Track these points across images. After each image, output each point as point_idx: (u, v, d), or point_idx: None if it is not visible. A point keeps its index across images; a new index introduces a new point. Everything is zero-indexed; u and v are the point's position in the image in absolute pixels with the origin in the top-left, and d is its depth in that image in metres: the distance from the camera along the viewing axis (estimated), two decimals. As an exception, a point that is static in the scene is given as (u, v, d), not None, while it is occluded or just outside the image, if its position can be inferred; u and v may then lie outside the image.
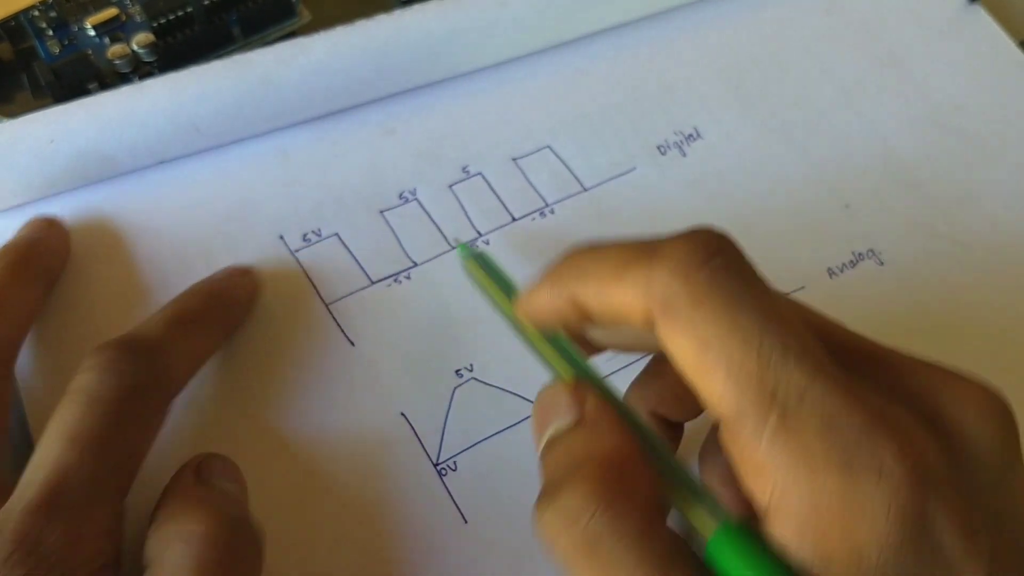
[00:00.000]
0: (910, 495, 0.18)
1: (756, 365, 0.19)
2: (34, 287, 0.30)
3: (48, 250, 0.32)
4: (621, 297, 0.21)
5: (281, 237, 0.33)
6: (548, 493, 0.21)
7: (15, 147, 0.33)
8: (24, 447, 0.29)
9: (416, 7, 0.36)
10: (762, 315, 0.19)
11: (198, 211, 0.34)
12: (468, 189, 0.35)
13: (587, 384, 0.23)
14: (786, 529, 0.19)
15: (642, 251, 0.21)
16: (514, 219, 0.35)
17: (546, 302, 0.23)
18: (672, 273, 0.20)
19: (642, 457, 0.22)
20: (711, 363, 0.19)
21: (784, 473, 0.18)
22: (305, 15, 0.38)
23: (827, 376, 0.19)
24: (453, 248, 0.34)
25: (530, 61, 0.38)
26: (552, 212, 0.35)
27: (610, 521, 0.20)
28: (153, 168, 0.35)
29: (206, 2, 0.36)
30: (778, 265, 0.34)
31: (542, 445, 0.23)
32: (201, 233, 0.33)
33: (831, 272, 0.34)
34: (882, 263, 0.34)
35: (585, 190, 0.35)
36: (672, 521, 0.22)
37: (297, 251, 0.33)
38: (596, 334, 0.24)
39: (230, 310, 0.31)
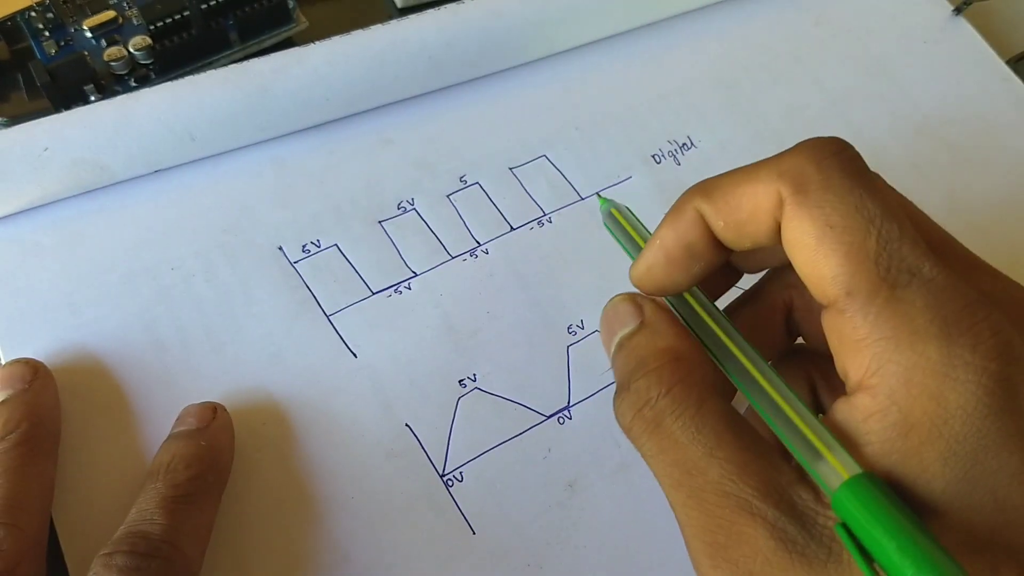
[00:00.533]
0: (1002, 366, 0.19)
1: (875, 244, 0.20)
2: (50, 456, 0.29)
3: (47, 411, 0.29)
4: (752, 189, 0.22)
5: (280, 248, 0.33)
6: (621, 388, 0.24)
7: (9, 155, 0.32)
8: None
9: (412, 17, 0.36)
10: (883, 202, 0.20)
11: (195, 221, 0.34)
12: (466, 199, 0.35)
13: (643, 297, 0.25)
14: (875, 400, 0.20)
15: (770, 158, 0.22)
16: (512, 228, 0.35)
17: (671, 231, 0.24)
18: (806, 158, 0.21)
19: (699, 348, 0.24)
20: (832, 244, 0.20)
21: (885, 344, 0.19)
22: (302, 21, 0.38)
23: (935, 262, 0.20)
24: (453, 258, 0.34)
25: (526, 71, 0.38)
26: (550, 221, 0.35)
27: (669, 403, 0.22)
28: (148, 177, 0.34)
29: (203, 6, 0.36)
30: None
31: (612, 349, 0.25)
32: (200, 245, 0.33)
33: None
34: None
35: (582, 199, 0.36)
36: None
37: (296, 262, 0.33)
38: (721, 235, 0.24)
39: (221, 473, 0.29)
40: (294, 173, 0.35)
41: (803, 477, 0.21)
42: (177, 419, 0.29)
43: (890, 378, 0.19)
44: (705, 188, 0.23)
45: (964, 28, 0.41)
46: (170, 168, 0.34)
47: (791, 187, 0.21)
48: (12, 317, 0.31)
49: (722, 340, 0.24)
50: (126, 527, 0.26)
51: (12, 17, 0.36)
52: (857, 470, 0.19)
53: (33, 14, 0.36)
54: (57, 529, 0.28)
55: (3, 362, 0.30)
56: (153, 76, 0.36)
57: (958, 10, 0.41)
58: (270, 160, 0.35)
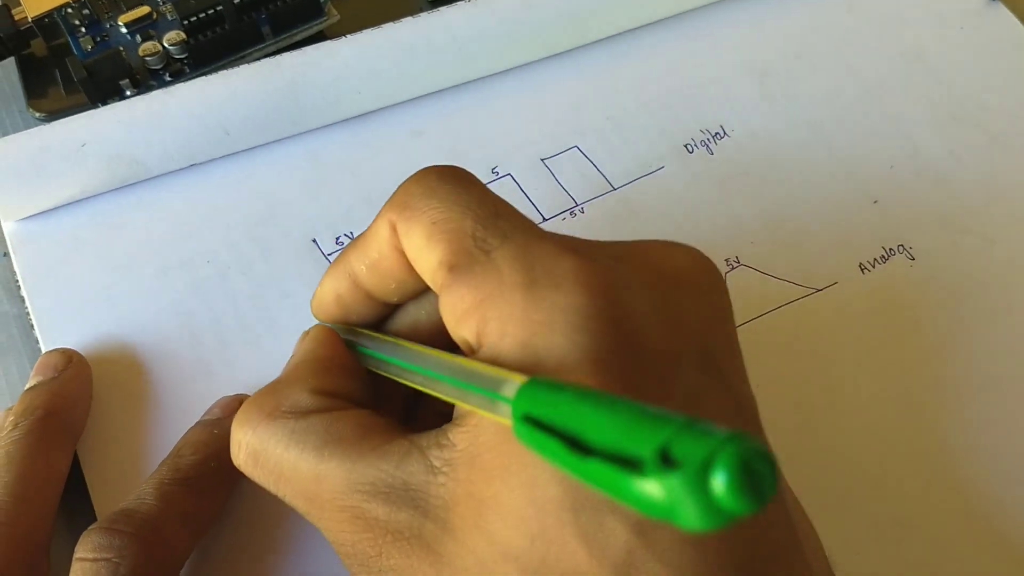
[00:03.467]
0: (587, 299, 0.20)
1: (471, 223, 0.22)
2: (62, 448, 0.28)
3: (71, 401, 0.29)
4: (374, 229, 0.24)
5: (314, 240, 0.34)
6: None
7: (48, 151, 0.33)
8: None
9: (443, 9, 0.36)
10: (480, 193, 0.23)
11: (230, 215, 0.34)
12: (497, 190, 0.34)
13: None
14: (481, 357, 0.21)
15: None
16: (544, 219, 0.35)
17: (329, 293, 0.26)
18: (409, 183, 0.23)
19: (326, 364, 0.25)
20: (438, 235, 0.22)
21: (486, 305, 0.21)
22: (333, 14, 0.38)
23: (529, 227, 0.22)
24: None
25: (556, 62, 0.38)
26: (582, 212, 0.35)
27: (260, 437, 0.23)
28: (183, 171, 0.35)
29: (236, 1, 0.36)
30: (810, 261, 0.34)
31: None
32: (234, 238, 0.33)
33: (863, 267, 0.34)
34: (913, 258, 0.34)
35: (614, 189, 0.36)
36: None
37: (330, 255, 0.33)
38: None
39: (231, 463, 0.27)
40: (327, 166, 0.35)
41: (411, 450, 0.21)
42: (206, 411, 0.29)
43: (492, 335, 0.21)
44: (352, 243, 0.25)
45: (1002, 13, 0.40)
46: (205, 162, 0.35)
47: (398, 208, 0.23)
48: (52, 309, 0.32)
49: (379, 339, 0.25)
50: (119, 506, 0.26)
51: (49, 14, 0.36)
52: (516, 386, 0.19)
53: (70, 11, 0.37)
54: (98, 517, 0.28)
55: (44, 351, 0.31)
56: (187, 71, 0.37)
57: (995, -5, 0.40)
58: (303, 153, 0.35)
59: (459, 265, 0.21)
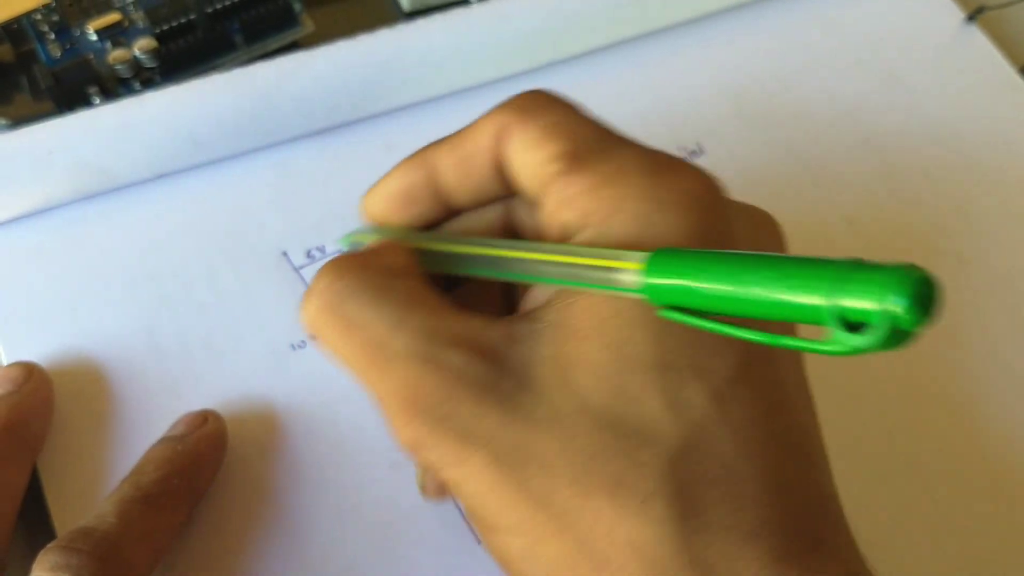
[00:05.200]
0: (703, 193, 0.22)
1: (591, 132, 0.22)
2: (19, 464, 0.28)
3: (30, 416, 0.29)
4: (472, 136, 0.24)
5: (284, 254, 0.33)
6: (306, 292, 0.24)
7: (12, 159, 0.32)
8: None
9: (418, 21, 0.35)
10: (592, 116, 0.23)
11: (198, 227, 0.33)
12: None
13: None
14: (588, 230, 0.22)
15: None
16: (519, 235, 0.34)
17: (400, 185, 0.26)
18: (522, 95, 0.24)
19: (402, 243, 0.25)
20: (556, 133, 0.22)
21: (602, 186, 0.21)
22: (308, 25, 0.38)
23: (640, 144, 0.23)
24: None
25: (532, 77, 0.38)
26: (557, 228, 0.35)
27: (344, 288, 0.23)
28: (151, 182, 0.34)
29: (209, 9, 0.36)
30: (783, 282, 0.34)
31: None
32: (203, 250, 0.33)
33: (836, 289, 0.34)
34: (886, 280, 0.34)
35: (589, 206, 0.35)
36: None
37: (301, 268, 0.33)
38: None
39: (195, 479, 0.28)
40: (298, 178, 0.35)
41: (494, 322, 0.22)
42: (170, 426, 0.29)
43: (602, 212, 0.21)
44: (440, 140, 0.25)
45: (976, 36, 0.40)
46: (173, 173, 0.34)
47: (515, 111, 0.23)
48: (14, 320, 0.31)
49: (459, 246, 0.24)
50: (78, 524, 0.25)
51: (17, 20, 0.36)
52: (645, 256, 0.20)
53: (38, 16, 0.36)
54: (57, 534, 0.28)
55: (3, 364, 0.30)
56: (158, 79, 0.36)
57: (971, 18, 0.40)
58: (273, 165, 0.35)
59: (579, 155, 0.22)
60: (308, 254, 0.33)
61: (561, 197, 0.22)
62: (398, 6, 0.40)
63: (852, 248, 0.35)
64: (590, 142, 0.22)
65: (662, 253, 0.19)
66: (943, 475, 0.31)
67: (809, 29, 0.40)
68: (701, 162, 0.36)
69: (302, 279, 0.33)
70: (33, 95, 0.36)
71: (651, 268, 0.19)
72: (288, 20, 0.37)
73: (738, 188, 0.36)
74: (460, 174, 0.24)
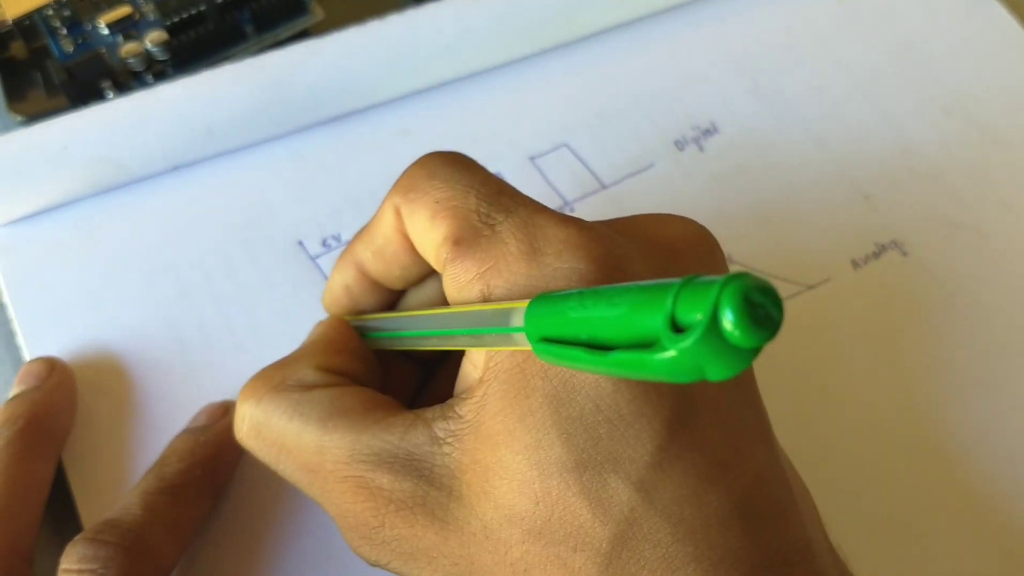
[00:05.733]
0: (588, 264, 0.21)
1: (475, 200, 0.22)
2: (45, 458, 0.28)
3: (54, 410, 0.29)
4: (380, 216, 0.24)
5: (300, 243, 0.33)
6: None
7: (29, 154, 0.32)
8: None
9: (428, 6, 0.35)
10: (483, 174, 0.23)
11: (215, 218, 0.33)
12: None
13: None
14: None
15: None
16: (534, 218, 0.34)
17: (338, 285, 0.26)
18: (412, 168, 0.23)
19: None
20: (442, 213, 0.22)
21: (490, 274, 0.21)
22: (318, 12, 0.38)
23: (531, 202, 0.22)
24: None
25: (545, 59, 0.37)
26: (572, 210, 0.35)
27: (265, 409, 0.24)
28: (167, 174, 0.34)
29: (218, 0, 0.36)
30: (802, 257, 0.34)
31: None
32: (220, 241, 0.33)
33: (855, 264, 0.34)
34: (905, 253, 0.34)
35: (604, 187, 0.35)
36: None
37: (317, 257, 0.33)
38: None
39: (217, 470, 0.28)
40: (313, 167, 0.35)
41: (416, 423, 0.22)
42: (192, 417, 0.29)
43: (495, 300, 0.21)
44: (359, 233, 0.25)
45: (992, 5, 0.40)
46: (189, 164, 0.34)
47: (403, 191, 0.23)
48: (35, 316, 0.32)
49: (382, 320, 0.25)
50: (104, 516, 0.26)
51: (30, 16, 0.36)
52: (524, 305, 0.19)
53: (50, 12, 0.36)
54: (84, 527, 0.28)
55: (27, 359, 0.30)
56: (170, 71, 0.36)
57: (986, -13, 0.40)
58: (288, 154, 0.35)
59: (464, 238, 0.22)
60: (324, 243, 0.33)
61: (457, 282, 0.22)
62: (408, -9, 0.39)
63: (871, 224, 0.35)
64: (474, 220, 0.22)
65: (541, 296, 0.19)
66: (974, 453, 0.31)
67: (824, 2, 0.40)
68: (716, 140, 0.36)
69: (319, 268, 0.33)
70: (47, 91, 0.36)
71: (530, 309, 0.19)
72: (298, 8, 0.37)
73: (753, 166, 0.36)
74: (381, 264, 0.25)
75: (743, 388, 0.22)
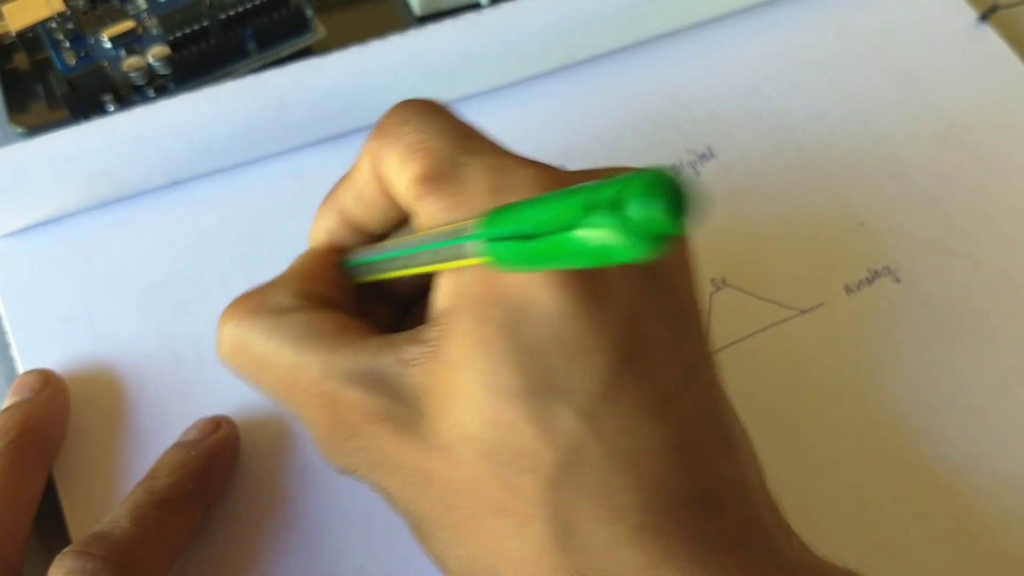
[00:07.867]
0: (543, 174, 0.22)
1: (444, 144, 0.23)
2: (36, 470, 0.28)
3: (47, 422, 0.29)
4: (358, 171, 0.25)
5: (297, 259, 0.33)
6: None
7: (30, 167, 0.32)
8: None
9: (429, 27, 0.36)
10: (452, 119, 0.24)
11: (213, 234, 0.34)
12: None
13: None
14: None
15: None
16: (530, 239, 0.34)
17: (321, 230, 0.27)
18: (384, 117, 0.24)
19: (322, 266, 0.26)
20: (415, 155, 0.23)
21: (452, 211, 0.22)
22: (320, 30, 0.38)
23: (496, 146, 0.23)
24: None
25: (544, 81, 0.38)
26: (568, 232, 0.35)
27: (244, 328, 0.25)
28: (166, 189, 0.34)
29: (222, 16, 0.36)
30: (795, 283, 0.34)
31: None
32: (217, 257, 0.33)
33: (848, 289, 0.34)
34: (899, 280, 0.34)
35: (601, 210, 0.35)
36: None
37: (314, 273, 0.33)
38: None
39: (207, 484, 0.28)
40: (312, 185, 0.35)
41: (385, 345, 0.23)
42: (184, 432, 0.29)
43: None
44: (341, 179, 0.26)
45: (989, 35, 0.40)
46: (188, 180, 0.35)
47: (377, 137, 0.24)
48: (30, 328, 0.32)
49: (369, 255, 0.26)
50: (93, 529, 0.26)
51: (32, 28, 0.36)
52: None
53: (53, 25, 0.36)
54: (73, 539, 0.28)
55: (21, 371, 0.31)
56: (171, 86, 0.36)
57: (983, 17, 0.40)
58: (288, 171, 0.35)
59: (432, 177, 0.23)
60: (321, 260, 0.33)
61: (424, 219, 0.23)
62: (409, 11, 0.40)
63: (865, 250, 0.35)
64: (442, 161, 0.23)
65: (487, 217, 0.20)
66: (950, 475, 0.31)
67: (820, 29, 0.40)
68: (711, 165, 0.36)
69: (315, 284, 0.33)
70: (48, 103, 0.36)
71: (481, 220, 0.20)
72: (301, 26, 0.38)
73: (749, 191, 0.36)
74: (361, 208, 0.26)
75: (691, 330, 0.23)
